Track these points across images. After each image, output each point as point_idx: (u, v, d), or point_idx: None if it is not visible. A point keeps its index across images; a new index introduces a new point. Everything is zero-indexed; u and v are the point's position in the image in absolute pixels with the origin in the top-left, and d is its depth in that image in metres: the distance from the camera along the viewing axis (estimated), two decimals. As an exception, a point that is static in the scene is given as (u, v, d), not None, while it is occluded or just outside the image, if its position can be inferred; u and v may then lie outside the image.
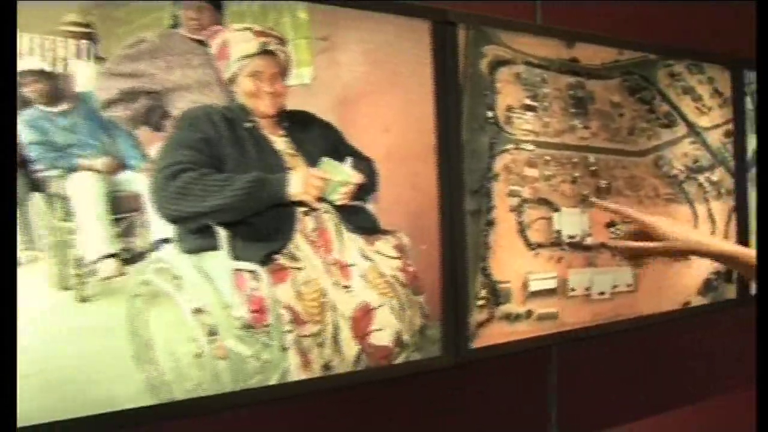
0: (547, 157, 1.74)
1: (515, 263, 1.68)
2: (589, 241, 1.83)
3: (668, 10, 2.12)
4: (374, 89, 1.44)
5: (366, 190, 1.41)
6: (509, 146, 1.67)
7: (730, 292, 2.26)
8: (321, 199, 1.37)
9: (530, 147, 1.70)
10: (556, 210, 1.76)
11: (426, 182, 1.51)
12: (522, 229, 1.69)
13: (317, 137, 1.36)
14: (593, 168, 1.84)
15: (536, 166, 1.72)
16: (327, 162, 1.37)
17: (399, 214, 1.47)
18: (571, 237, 1.79)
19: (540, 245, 1.73)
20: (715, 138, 2.23)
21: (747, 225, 2.35)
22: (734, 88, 2.31)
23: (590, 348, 1.90)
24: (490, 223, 1.63)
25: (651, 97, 2.02)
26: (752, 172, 2.38)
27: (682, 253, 1.27)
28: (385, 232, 1.46)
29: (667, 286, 2.05)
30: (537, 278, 1.72)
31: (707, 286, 2.19)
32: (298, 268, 1.34)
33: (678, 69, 2.11)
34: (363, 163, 1.40)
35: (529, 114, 1.71)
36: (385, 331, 1.45)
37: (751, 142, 2.38)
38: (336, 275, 1.39)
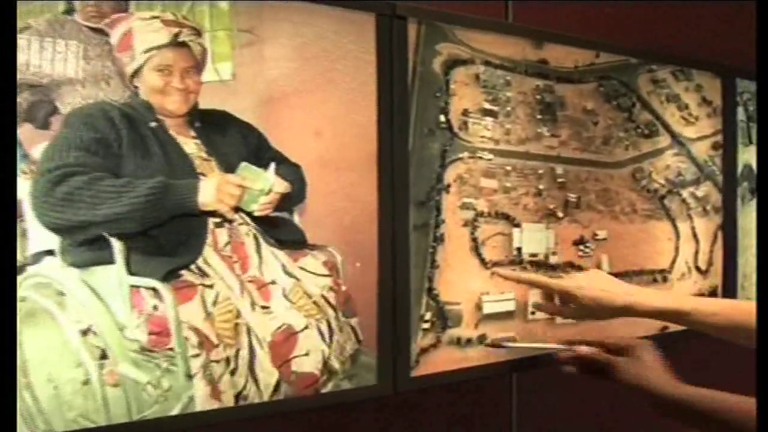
0: (508, 168, 1.61)
1: (467, 283, 1.55)
2: (553, 259, 1.70)
3: (654, 11, 1.98)
4: (306, 88, 1.31)
5: (292, 199, 1.29)
6: (464, 154, 1.53)
7: None
8: (238, 209, 1.24)
9: (488, 156, 1.57)
10: (517, 225, 1.63)
11: (364, 193, 1.37)
12: (476, 246, 1.56)
13: (235, 140, 1.23)
14: (561, 180, 1.71)
15: (495, 176, 1.59)
16: (246, 167, 1.23)
17: (330, 227, 1.34)
18: (533, 255, 1.66)
19: (497, 264, 1.60)
20: (701, 150, 2.09)
21: (735, 245, 2.21)
22: (725, 97, 2.17)
23: (552, 374, 1.76)
24: (439, 239, 1.50)
25: (630, 104, 1.88)
26: (743, 187, 2.25)
27: (611, 315, 1.14)
28: (313, 247, 1.33)
29: None
30: (492, 300, 1.59)
31: None
32: (208, 286, 1.21)
33: (662, 75, 1.97)
34: (289, 170, 1.28)
35: (489, 119, 1.57)
36: (310, 356, 1.32)
37: (743, 156, 2.24)
38: (253, 294, 1.26)
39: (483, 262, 1.58)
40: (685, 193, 2.04)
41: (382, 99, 1.40)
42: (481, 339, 1.58)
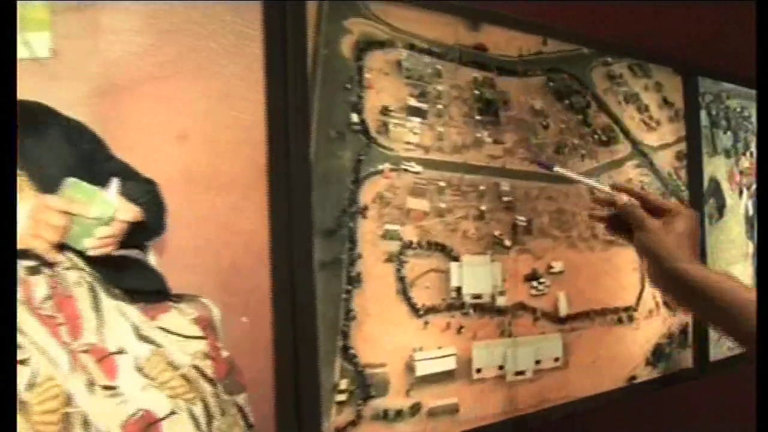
0: (442, 183, 1.46)
1: (394, 338, 1.38)
2: (502, 301, 1.56)
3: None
4: (164, 73, 1.12)
5: (145, 231, 1.07)
6: (384, 165, 1.37)
7: (686, 360, 2.10)
8: (63, 247, 1.00)
9: (416, 167, 1.41)
10: (455, 259, 1.47)
11: (249, 220, 1.19)
12: (404, 288, 1.39)
13: (58, 145, 1.02)
14: (508, 199, 1.58)
15: (425, 195, 1.43)
16: (74, 185, 0.98)
17: (203, 269, 1.14)
18: (476, 297, 1.51)
19: (431, 310, 1.44)
20: (665, 160, 2.04)
21: (705, 272, 2.11)
22: (687, 99, 2.12)
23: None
24: (355, 280, 1.32)
25: (585, 104, 1.79)
26: (710, 205, 2.18)
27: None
28: (179, 298, 1.12)
29: (606, 357, 1.83)
30: (427, 358, 1.43)
31: (657, 355, 2.00)
32: (20, 362, 0.95)
33: (618, 69, 1.90)
34: (140, 189, 1.07)
35: (415, 120, 1.43)
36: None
37: (708, 168, 2.18)
38: (91, 370, 1.01)
39: (414, 308, 1.41)
40: None
41: (273, 90, 1.21)
42: (415, 409, 1.37)
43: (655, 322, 1.97)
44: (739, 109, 2.37)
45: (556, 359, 1.67)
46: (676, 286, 0.92)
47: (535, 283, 1.62)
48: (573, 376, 1.71)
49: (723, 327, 0.90)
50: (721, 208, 2.26)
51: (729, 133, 2.32)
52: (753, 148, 2.42)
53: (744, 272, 2.34)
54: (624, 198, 0.98)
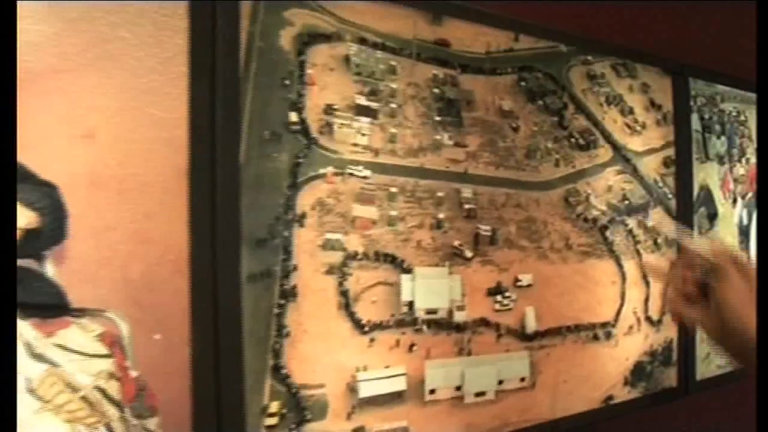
0: (394, 189, 1.39)
1: (334, 356, 1.30)
2: (460, 316, 1.48)
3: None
4: (68, 65, 1.03)
5: (41, 239, 1.00)
6: (327, 169, 1.30)
7: (669, 378, 2.02)
8: None
9: (364, 172, 1.34)
10: (407, 271, 1.40)
11: (165, 228, 1.11)
12: (347, 303, 1.32)
13: None
14: (470, 207, 1.50)
15: (373, 202, 1.35)
16: None
17: (109, 281, 1.07)
18: (430, 312, 1.43)
19: (378, 326, 1.36)
20: (650, 167, 1.98)
21: (693, 287, 2.03)
22: (677, 101, 2.04)
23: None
24: (290, 295, 1.24)
25: (561, 105, 1.73)
26: (700, 214, 2.10)
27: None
28: (80, 313, 1.04)
29: (579, 376, 1.75)
30: (373, 378, 1.35)
31: (637, 373, 1.92)
32: None
33: (600, 69, 1.83)
34: (37, 193, 1.00)
35: (365, 120, 1.35)
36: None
37: (699, 175, 2.10)
38: None
39: (358, 324, 1.33)
40: (631, 222, 1.88)
41: (197, 86, 1.13)
42: (358, 435, 1.29)
43: (636, 338, 1.89)
44: (735, 113, 2.29)
45: (522, 379, 1.59)
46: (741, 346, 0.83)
47: (499, 298, 1.54)
48: (540, 397, 1.63)
49: None
50: (712, 217, 2.17)
51: (723, 138, 2.23)
52: (749, 154, 2.33)
53: (737, 285, 2.25)
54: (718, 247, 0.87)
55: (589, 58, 1.78)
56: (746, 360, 0.81)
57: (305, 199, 1.26)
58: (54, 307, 1.02)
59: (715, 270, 0.82)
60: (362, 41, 1.33)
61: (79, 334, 1.04)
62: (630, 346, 1.87)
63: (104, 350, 1.06)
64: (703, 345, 2.11)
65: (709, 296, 0.81)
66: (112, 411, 1.05)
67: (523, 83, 1.61)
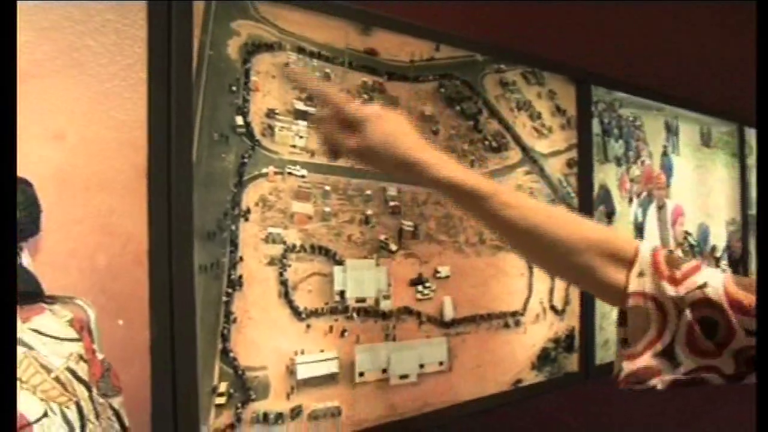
0: (327, 187, 1.54)
1: (275, 341, 1.45)
2: (386, 305, 1.66)
3: (504, 4, 2.01)
4: (41, 72, 1.14)
5: (18, 232, 1.10)
6: (268, 169, 1.44)
7: (572, 363, 2.24)
8: None
9: (301, 171, 1.49)
10: (339, 263, 1.56)
11: (128, 222, 1.23)
12: (286, 291, 1.47)
13: None
14: (394, 204, 1.67)
15: (309, 199, 1.51)
16: None
17: (78, 271, 1.18)
18: (360, 301, 1.60)
19: (314, 313, 1.51)
20: (555, 167, 2.19)
21: (592, 278, 2.29)
22: (580, 107, 2.27)
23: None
24: (236, 284, 1.38)
25: (476, 110, 1.90)
26: (599, 211, 2.35)
27: (389, 168, 1.06)
28: (53, 300, 1.14)
29: (491, 361, 1.95)
30: (309, 361, 1.50)
31: (543, 359, 2.13)
32: None
33: (512, 77, 2.02)
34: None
35: (302, 124, 1.50)
36: (50, 457, 1.11)
37: (599, 175, 2.35)
38: None
39: (296, 312, 1.48)
40: None
41: (155, 91, 1.26)
42: (296, 412, 1.46)
43: (542, 326, 2.11)
44: (631, 118, 2.56)
45: (441, 363, 1.77)
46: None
47: (420, 288, 1.72)
48: (457, 380, 1.82)
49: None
50: (610, 214, 2.43)
51: (621, 141, 2.50)
52: (644, 156, 2.63)
53: (632, 278, 2.53)
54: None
55: (502, 66, 1.97)
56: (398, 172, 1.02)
57: (250, 196, 1.39)
58: (30, 294, 1.13)
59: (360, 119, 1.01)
60: (300, 50, 1.48)
61: (52, 320, 1.15)
62: (537, 334, 2.07)
63: (74, 334, 1.17)
64: (602, 332, 2.37)
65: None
66: (81, 390, 1.17)
67: (442, 90, 1.79)
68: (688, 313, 0.90)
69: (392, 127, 1.04)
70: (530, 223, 0.95)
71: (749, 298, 0.87)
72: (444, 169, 0.99)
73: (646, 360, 0.92)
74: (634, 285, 0.92)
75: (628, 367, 0.93)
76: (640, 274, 0.92)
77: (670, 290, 0.91)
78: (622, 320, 0.95)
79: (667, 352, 0.92)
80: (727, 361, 0.90)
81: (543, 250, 0.99)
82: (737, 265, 3.25)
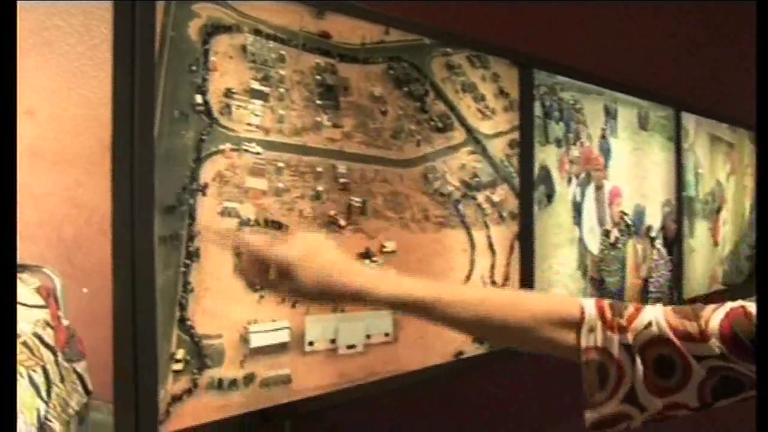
0: (281, 164, 1.63)
1: (230, 310, 1.54)
2: None
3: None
4: None
5: None
6: (225, 146, 1.52)
7: None
8: None
9: (256, 148, 1.58)
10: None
11: (92, 195, 1.32)
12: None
13: None
14: (344, 180, 1.77)
15: (264, 175, 1.59)
16: None
17: (45, 241, 1.27)
18: None
19: None
20: (498, 148, 2.31)
21: (532, 256, 2.45)
22: (522, 90, 2.41)
23: (337, 418, 1.82)
24: (193, 255, 1.47)
25: (423, 92, 2.01)
26: (540, 191, 2.50)
27: (334, 300, 1.17)
28: (22, 268, 1.24)
29: (434, 332, 2.04)
30: (261, 330, 1.60)
31: None
32: None
33: (458, 60, 2.14)
34: None
35: (258, 103, 1.58)
36: (18, 418, 1.20)
37: (540, 155, 2.49)
38: None
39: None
40: (480, 197, 2.23)
41: (119, 70, 1.34)
42: (249, 379, 1.57)
43: None
44: (572, 102, 2.71)
45: (387, 334, 1.88)
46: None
47: (368, 262, 1.83)
48: (402, 350, 1.93)
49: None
50: (550, 194, 2.59)
51: (561, 123, 2.65)
52: (583, 138, 2.79)
53: (570, 256, 2.70)
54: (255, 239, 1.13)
55: (449, 50, 2.08)
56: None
57: (207, 172, 1.47)
58: (0, 262, 1.23)
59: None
60: (257, 32, 1.56)
61: (21, 287, 1.24)
62: None
63: (41, 301, 1.26)
64: (539, 308, 2.54)
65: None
66: (47, 355, 1.26)
67: (391, 72, 1.89)
68: (639, 359, 0.99)
69: (319, 264, 1.08)
70: (478, 315, 1.05)
71: (692, 325, 0.97)
72: (385, 289, 1.06)
73: (611, 407, 1.01)
74: (585, 341, 1.02)
75: (592, 416, 1.02)
76: (590, 330, 1.02)
77: (619, 339, 1.00)
78: (584, 374, 1.04)
79: (630, 398, 1.00)
80: (691, 395, 0.98)
81: (499, 334, 1.10)
82: (672, 245, 3.46)
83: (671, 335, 0.97)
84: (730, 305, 0.99)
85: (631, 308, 1.04)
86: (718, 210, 4.04)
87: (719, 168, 4.05)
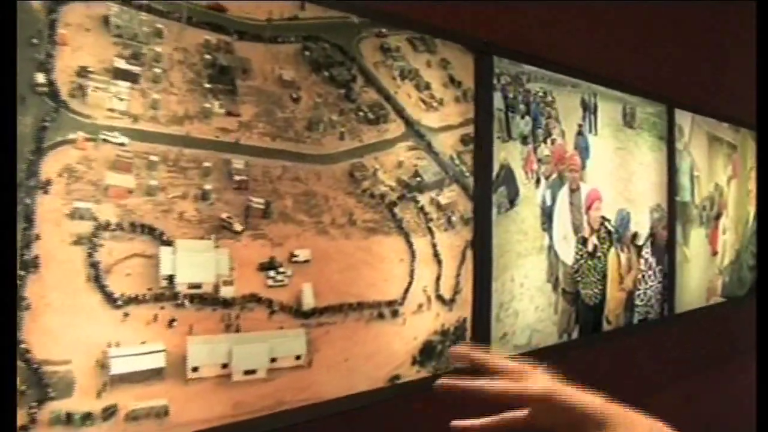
0: (154, 157, 1.44)
1: (82, 331, 1.35)
2: (227, 291, 1.56)
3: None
4: None
5: None
6: (76, 134, 1.33)
7: None
8: None
9: (120, 138, 1.38)
10: (167, 243, 1.46)
11: None
12: (97, 275, 1.37)
13: None
14: (241, 178, 1.58)
15: (130, 170, 1.40)
16: None
17: None
18: (194, 287, 1.51)
19: (133, 300, 1.42)
20: (446, 144, 2.12)
21: (489, 266, 2.24)
22: (479, 79, 2.20)
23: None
24: (30, 265, 1.28)
25: (349, 77, 1.82)
26: (499, 193, 2.29)
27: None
28: None
29: (362, 354, 1.87)
30: (126, 354, 1.41)
31: (427, 352, 2.06)
32: None
33: (395, 43, 1.94)
34: None
35: (123, 85, 1.39)
36: None
37: (500, 154, 2.28)
38: None
39: (110, 298, 1.38)
40: (423, 200, 2.02)
41: None
42: (110, 412, 1.37)
43: (426, 317, 2.03)
44: (541, 94, 2.50)
45: (298, 357, 1.69)
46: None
47: (272, 273, 1.63)
48: (319, 376, 1.74)
49: None
50: (513, 197, 2.38)
51: (528, 118, 2.44)
52: (555, 135, 2.57)
53: (537, 265, 2.48)
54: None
55: (384, 30, 1.89)
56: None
57: (51, 166, 1.29)
58: None
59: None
60: (124, 1, 1.38)
61: None
62: (419, 325, 2.00)
63: None
64: (499, 324, 2.33)
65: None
66: None
67: (307, 53, 1.70)
68: None
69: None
70: None
71: None
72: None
73: None
74: None
75: None
76: None
77: None
78: None
79: None
80: None
81: None
82: (662, 254, 3.24)
83: None
84: None
85: None
86: (718, 216, 3.81)
87: (719, 171, 3.82)
